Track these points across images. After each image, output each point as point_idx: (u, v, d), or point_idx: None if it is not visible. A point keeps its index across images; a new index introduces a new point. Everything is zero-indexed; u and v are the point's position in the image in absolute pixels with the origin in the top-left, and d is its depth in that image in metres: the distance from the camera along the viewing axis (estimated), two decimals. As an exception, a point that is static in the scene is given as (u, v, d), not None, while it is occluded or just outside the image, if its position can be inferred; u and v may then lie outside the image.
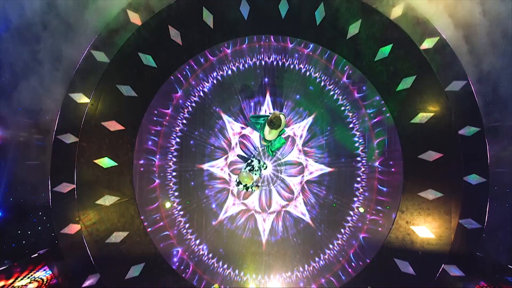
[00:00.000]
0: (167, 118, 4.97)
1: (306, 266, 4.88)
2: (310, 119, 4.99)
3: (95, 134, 4.74)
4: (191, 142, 4.98)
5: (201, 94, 5.01)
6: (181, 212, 4.94)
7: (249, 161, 4.14)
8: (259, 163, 4.21)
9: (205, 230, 4.92)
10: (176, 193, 4.95)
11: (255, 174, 4.08)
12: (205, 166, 4.98)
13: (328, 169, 4.94)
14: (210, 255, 4.88)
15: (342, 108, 4.99)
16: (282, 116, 3.79)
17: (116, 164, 4.80)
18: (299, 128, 5.00)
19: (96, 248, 4.68)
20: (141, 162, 4.90)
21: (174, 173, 4.95)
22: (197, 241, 4.90)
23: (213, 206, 4.96)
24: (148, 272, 4.76)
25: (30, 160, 4.64)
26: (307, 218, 4.94)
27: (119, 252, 4.71)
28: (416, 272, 4.65)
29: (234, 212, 4.96)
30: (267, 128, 3.88)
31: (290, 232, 4.93)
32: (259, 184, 4.66)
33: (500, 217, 4.57)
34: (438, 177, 4.71)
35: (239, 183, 4.16)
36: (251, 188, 4.33)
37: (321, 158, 4.96)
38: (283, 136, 4.39)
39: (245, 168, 4.07)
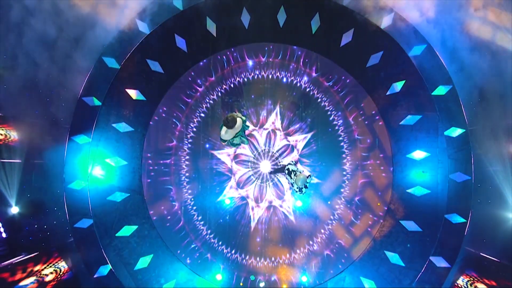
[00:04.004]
0: (175, 119, 5.31)
1: (294, 253, 5.26)
2: (309, 135, 5.34)
3: (106, 135, 5.09)
4: (199, 139, 5.34)
5: (214, 97, 5.38)
6: (186, 207, 5.29)
7: (294, 168, 4.36)
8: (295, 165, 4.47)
9: (209, 220, 5.28)
10: (181, 188, 5.30)
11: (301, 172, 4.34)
12: (215, 153, 5.32)
13: (317, 180, 5.29)
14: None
15: (329, 113, 5.34)
16: (239, 119, 3.91)
17: (126, 162, 5.15)
18: (300, 139, 5.36)
19: (108, 241, 5.03)
20: (149, 161, 5.25)
21: (180, 170, 5.30)
22: (204, 227, 5.28)
23: (217, 191, 5.33)
24: (156, 262, 5.11)
25: (46, 159, 4.94)
26: (292, 216, 5.29)
27: (129, 244, 5.07)
28: (405, 263, 5.00)
29: (232, 197, 5.32)
30: (224, 128, 3.98)
31: (277, 224, 5.29)
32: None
33: (483, 212, 4.89)
34: (425, 175, 5.06)
35: (300, 189, 4.25)
36: (293, 184, 4.39)
37: (313, 167, 5.31)
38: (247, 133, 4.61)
39: (295, 175, 4.26)
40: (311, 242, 5.24)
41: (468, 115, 5.02)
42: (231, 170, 5.35)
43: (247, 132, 5.24)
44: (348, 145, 5.31)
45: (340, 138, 5.32)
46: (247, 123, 4.50)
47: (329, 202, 5.28)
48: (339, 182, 5.30)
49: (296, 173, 4.25)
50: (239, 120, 3.91)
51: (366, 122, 5.29)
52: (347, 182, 5.29)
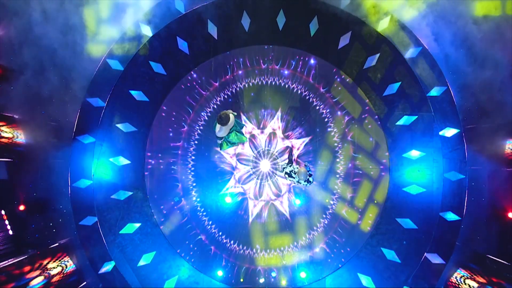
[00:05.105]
0: (177, 119, 5.44)
1: (290, 247, 5.43)
2: (307, 139, 5.48)
3: (110, 135, 5.24)
4: (203, 139, 5.48)
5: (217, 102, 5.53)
6: (190, 203, 5.43)
7: (290, 168, 4.53)
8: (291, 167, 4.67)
9: (212, 214, 5.45)
10: (184, 186, 5.44)
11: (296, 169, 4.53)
12: (219, 150, 5.35)
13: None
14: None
15: (323, 115, 5.46)
16: (231, 115, 4.07)
17: (129, 162, 5.29)
18: (298, 143, 5.50)
19: (112, 238, 5.18)
20: (152, 160, 5.38)
21: (183, 168, 5.45)
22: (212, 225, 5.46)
23: (219, 187, 5.51)
24: (159, 259, 5.27)
25: (52, 159, 5.07)
26: (287, 214, 5.45)
27: (132, 241, 5.21)
28: (401, 260, 5.14)
29: (234, 193, 5.48)
30: (218, 125, 4.14)
31: (275, 219, 5.45)
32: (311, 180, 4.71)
33: (476, 210, 5.02)
34: (421, 174, 5.20)
35: (306, 180, 4.42)
36: (299, 181, 4.56)
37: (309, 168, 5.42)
38: (245, 132, 4.73)
39: (294, 173, 4.44)
40: (308, 236, 5.38)
41: (462, 115, 5.14)
42: (233, 167, 5.49)
43: (247, 133, 5.38)
44: (345, 145, 5.44)
45: (336, 139, 5.45)
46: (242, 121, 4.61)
47: (327, 200, 5.41)
48: (334, 180, 5.43)
49: (295, 171, 4.44)
50: (231, 117, 4.06)
51: (364, 123, 5.41)
52: (342, 180, 5.42)
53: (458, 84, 5.08)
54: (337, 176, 5.43)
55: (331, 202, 5.41)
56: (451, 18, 4.90)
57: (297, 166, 4.51)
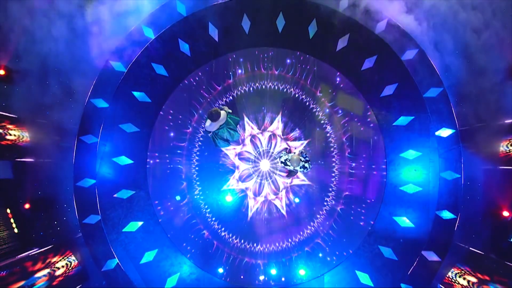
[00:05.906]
0: (182, 121, 5.54)
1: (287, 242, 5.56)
2: (305, 142, 5.59)
3: (113, 135, 5.35)
4: (204, 140, 5.59)
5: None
6: (192, 200, 5.55)
7: (285, 157, 4.63)
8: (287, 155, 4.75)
9: (214, 211, 5.56)
10: (185, 186, 5.55)
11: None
12: (223, 149, 5.54)
13: (309, 183, 5.56)
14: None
15: (320, 118, 5.58)
16: (223, 112, 4.15)
17: (132, 161, 5.40)
18: (297, 144, 5.62)
19: (115, 236, 5.29)
20: (154, 160, 5.49)
21: (183, 167, 5.55)
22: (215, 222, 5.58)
23: (221, 184, 5.62)
24: (161, 256, 5.38)
25: (56, 159, 5.19)
26: (284, 211, 5.57)
27: (134, 239, 5.32)
28: (398, 257, 5.25)
29: (235, 189, 5.60)
30: (208, 120, 4.18)
31: (270, 216, 5.57)
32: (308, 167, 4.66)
33: (472, 209, 5.13)
34: (417, 173, 5.30)
35: (303, 166, 4.45)
36: (294, 168, 4.60)
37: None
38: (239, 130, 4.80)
39: (289, 161, 4.49)
40: (305, 231, 5.50)
41: (458, 116, 5.25)
42: (234, 166, 5.61)
43: (249, 135, 5.48)
44: (343, 145, 5.54)
45: (334, 140, 5.55)
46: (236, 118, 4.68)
47: (326, 199, 5.52)
48: (331, 177, 5.53)
49: (289, 159, 4.50)
50: (223, 113, 4.14)
51: (361, 123, 5.51)
52: (338, 179, 5.51)
53: (455, 87, 5.19)
54: (333, 174, 5.53)
55: (328, 200, 5.53)
56: (450, 22, 5.01)
57: (292, 154, 4.58)
